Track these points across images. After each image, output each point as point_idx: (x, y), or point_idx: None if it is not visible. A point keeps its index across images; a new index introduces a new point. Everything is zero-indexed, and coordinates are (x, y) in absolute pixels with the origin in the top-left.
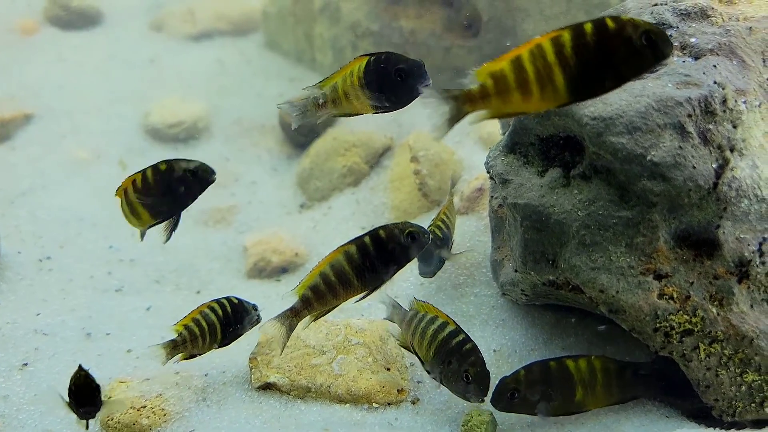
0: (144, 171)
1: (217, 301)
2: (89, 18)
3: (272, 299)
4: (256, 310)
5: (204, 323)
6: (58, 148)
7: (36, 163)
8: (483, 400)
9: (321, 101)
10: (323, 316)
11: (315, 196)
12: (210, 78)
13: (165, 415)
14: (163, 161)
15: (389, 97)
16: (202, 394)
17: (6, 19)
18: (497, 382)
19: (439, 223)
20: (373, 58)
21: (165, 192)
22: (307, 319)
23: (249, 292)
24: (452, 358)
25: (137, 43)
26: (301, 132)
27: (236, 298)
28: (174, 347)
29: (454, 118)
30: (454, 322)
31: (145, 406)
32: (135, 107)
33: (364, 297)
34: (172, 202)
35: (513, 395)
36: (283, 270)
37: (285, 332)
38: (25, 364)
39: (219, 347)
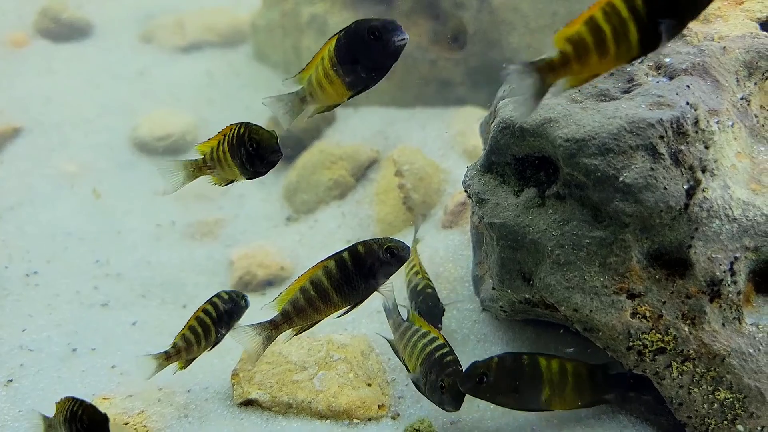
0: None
1: (210, 302)
2: (79, 30)
3: (257, 312)
4: (245, 299)
5: (199, 329)
6: (47, 161)
7: (24, 178)
8: (457, 410)
9: (302, 96)
10: (305, 331)
11: (301, 209)
12: (199, 90)
13: (147, 431)
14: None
15: (366, 65)
16: (184, 411)
17: None
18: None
19: (426, 276)
20: (341, 31)
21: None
22: (289, 333)
23: None
24: (433, 369)
25: (127, 55)
26: (287, 144)
27: (226, 293)
28: (167, 358)
29: (540, 92)
30: (443, 337)
31: (127, 423)
32: (124, 119)
33: (345, 313)
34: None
35: (481, 380)
36: (269, 283)
37: (261, 343)
38: (10, 381)
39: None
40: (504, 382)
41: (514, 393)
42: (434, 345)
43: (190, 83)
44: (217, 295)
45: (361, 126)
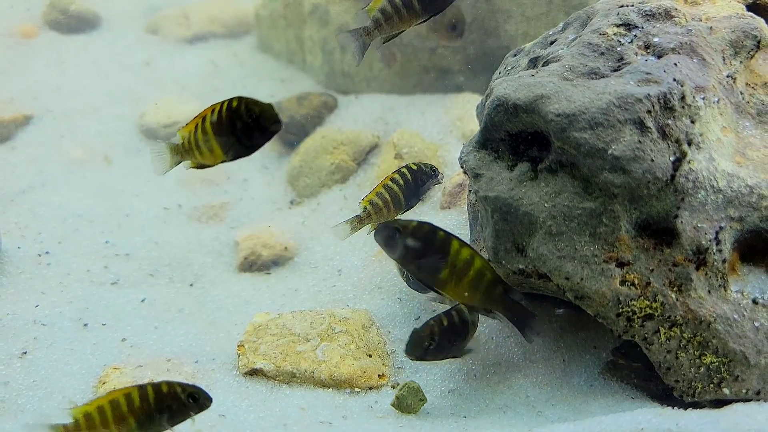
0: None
1: (398, 171)
2: (87, 22)
3: (262, 291)
4: (435, 171)
5: (387, 195)
6: (57, 147)
7: (35, 163)
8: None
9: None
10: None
11: (304, 192)
12: (204, 79)
13: None
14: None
15: None
16: (192, 380)
17: (6, 23)
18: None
19: None
20: None
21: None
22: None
23: (240, 284)
24: None
25: (133, 46)
26: (290, 131)
27: (414, 164)
28: (359, 222)
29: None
30: None
31: None
32: (131, 108)
33: (424, 21)
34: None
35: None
36: (274, 263)
37: (360, 45)
38: (25, 353)
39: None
40: (414, 247)
41: (418, 260)
42: None
43: (195, 73)
44: (406, 166)
45: (362, 113)
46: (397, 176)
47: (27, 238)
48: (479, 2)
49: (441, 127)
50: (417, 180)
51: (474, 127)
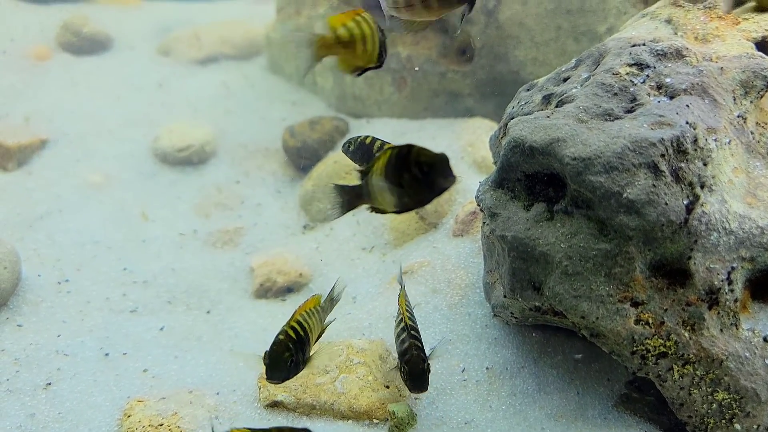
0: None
1: None
2: (100, 44)
3: (278, 318)
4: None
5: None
6: (73, 172)
7: (52, 188)
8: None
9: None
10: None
11: (317, 217)
12: (216, 101)
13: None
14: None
15: None
16: (215, 412)
17: (20, 45)
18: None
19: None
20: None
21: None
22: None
23: (257, 311)
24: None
25: (146, 68)
26: (303, 155)
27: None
28: None
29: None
30: (407, 317)
31: (162, 424)
32: (145, 130)
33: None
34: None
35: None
36: (288, 290)
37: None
38: (49, 384)
39: None
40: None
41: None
42: (399, 328)
43: (207, 95)
44: None
45: None
46: None
47: (46, 266)
48: (489, 28)
49: (452, 153)
50: None
51: (485, 153)
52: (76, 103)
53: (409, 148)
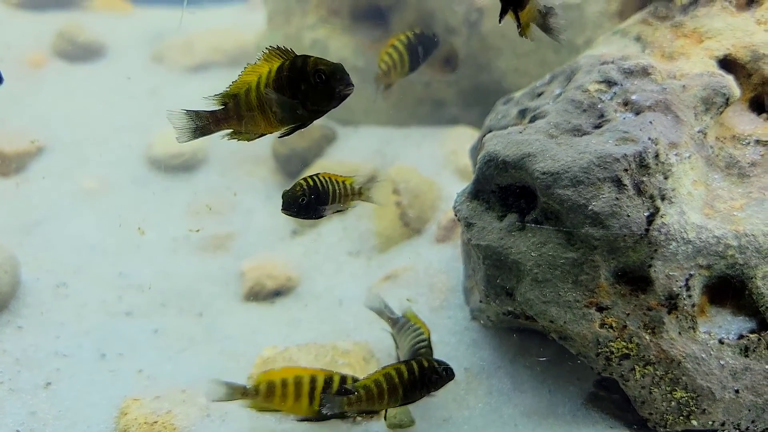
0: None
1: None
2: (94, 51)
3: (267, 321)
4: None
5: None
6: (68, 178)
7: (48, 194)
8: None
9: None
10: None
11: (305, 223)
12: (207, 108)
13: (175, 429)
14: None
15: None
16: (206, 410)
17: (16, 52)
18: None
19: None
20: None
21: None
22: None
23: (247, 314)
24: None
25: (139, 75)
26: (292, 162)
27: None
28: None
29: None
30: (428, 333)
31: (156, 422)
32: (138, 137)
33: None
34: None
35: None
36: (277, 293)
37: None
38: (49, 383)
39: None
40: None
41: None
42: (418, 338)
43: (199, 102)
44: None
45: (360, 145)
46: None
47: (44, 270)
48: (472, 39)
49: (436, 161)
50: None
51: (467, 161)
52: (70, 110)
53: (305, 57)
